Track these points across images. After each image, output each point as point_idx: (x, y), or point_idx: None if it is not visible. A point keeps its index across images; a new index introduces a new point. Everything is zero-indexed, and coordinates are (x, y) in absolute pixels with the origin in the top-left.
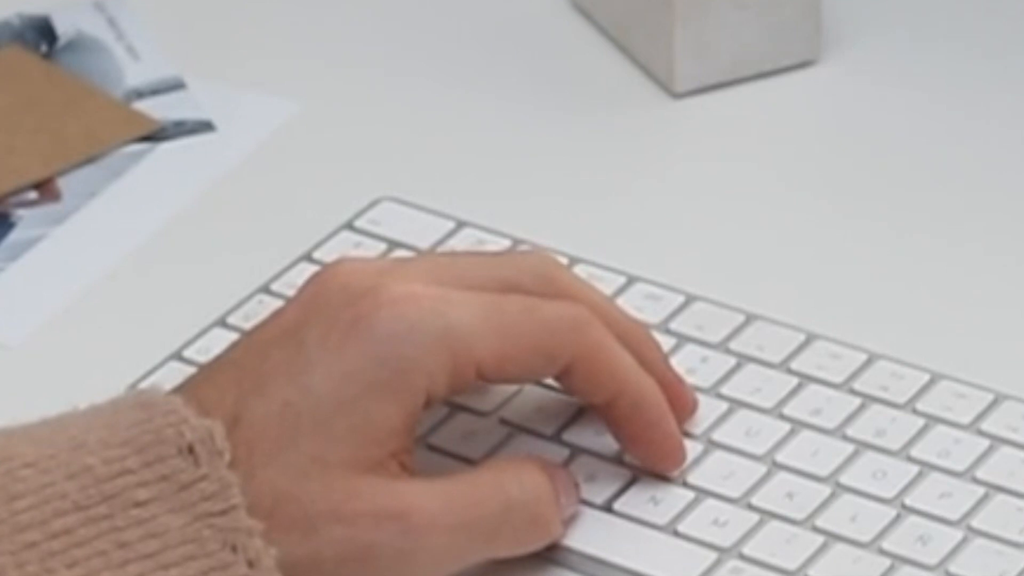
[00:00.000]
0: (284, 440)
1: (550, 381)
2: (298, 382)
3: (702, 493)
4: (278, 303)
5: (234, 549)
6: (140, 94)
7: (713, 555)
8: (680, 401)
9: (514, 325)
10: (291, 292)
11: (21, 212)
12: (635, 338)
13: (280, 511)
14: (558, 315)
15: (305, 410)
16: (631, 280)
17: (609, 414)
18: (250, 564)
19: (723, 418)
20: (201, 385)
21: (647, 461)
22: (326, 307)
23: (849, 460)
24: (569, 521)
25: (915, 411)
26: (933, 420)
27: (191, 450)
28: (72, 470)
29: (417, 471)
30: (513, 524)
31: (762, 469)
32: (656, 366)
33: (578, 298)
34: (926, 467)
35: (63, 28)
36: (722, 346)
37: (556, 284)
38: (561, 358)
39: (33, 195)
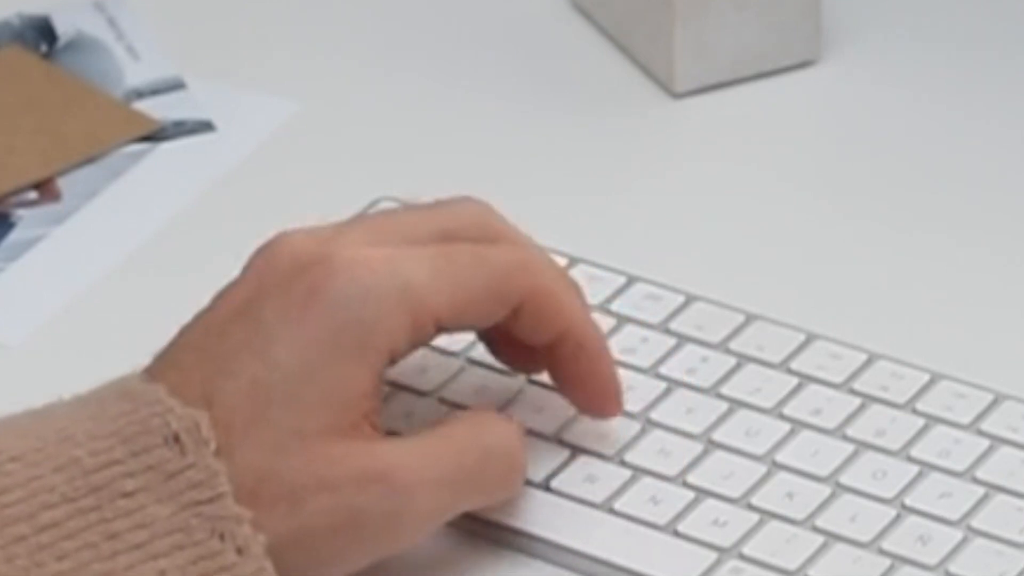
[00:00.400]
0: (257, 417)
1: (547, 379)
2: (263, 357)
3: (702, 493)
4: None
5: (222, 537)
6: (140, 94)
7: (713, 555)
8: (606, 402)
9: (465, 274)
10: None
11: (21, 212)
12: (581, 328)
13: (263, 489)
14: (506, 259)
15: (274, 384)
16: (631, 280)
17: (554, 355)
18: (239, 551)
19: (723, 418)
20: (166, 372)
21: (587, 404)
22: (279, 280)
23: (849, 460)
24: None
25: (915, 411)
26: (933, 420)
27: (177, 439)
28: (59, 463)
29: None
30: (492, 473)
31: (762, 469)
32: (596, 362)
33: (516, 242)
34: (926, 467)
35: (63, 28)
36: (722, 346)
37: (493, 229)
38: (512, 299)
39: (33, 195)
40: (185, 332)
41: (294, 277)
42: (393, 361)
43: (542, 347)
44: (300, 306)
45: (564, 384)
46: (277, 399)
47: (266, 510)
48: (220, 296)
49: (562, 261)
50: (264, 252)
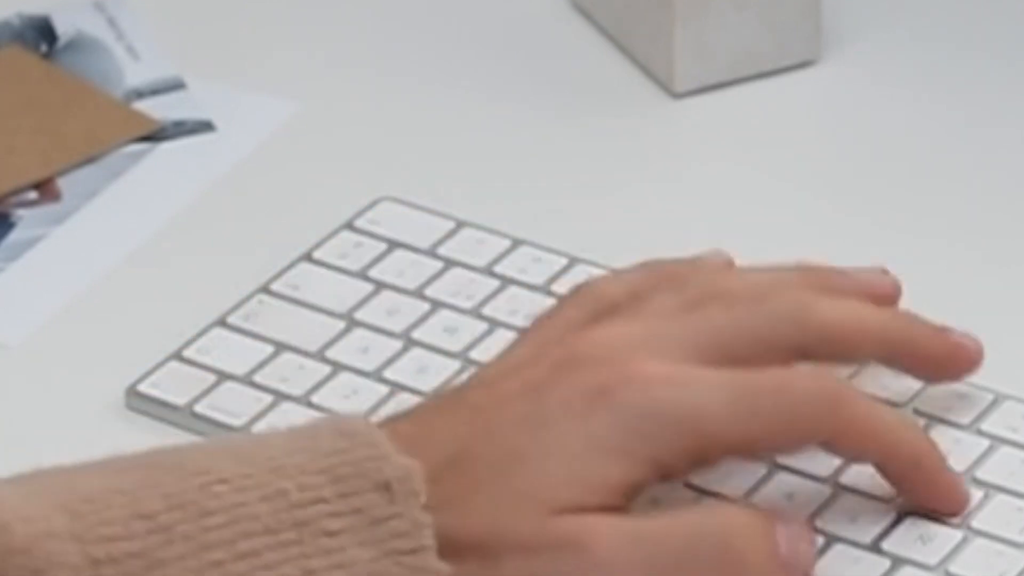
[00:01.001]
0: (498, 478)
1: None
2: (531, 433)
3: (703, 493)
4: (278, 303)
5: None
6: (140, 94)
7: None
8: (966, 356)
9: (763, 409)
10: (291, 292)
11: (21, 212)
12: (904, 336)
13: (466, 542)
14: (809, 394)
15: (531, 456)
16: None
17: (885, 472)
18: None
19: None
20: (433, 419)
21: (931, 508)
22: (572, 372)
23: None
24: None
25: (915, 411)
26: (934, 420)
27: (387, 487)
28: (266, 492)
29: None
30: (700, 556)
31: (762, 469)
32: (930, 339)
33: (846, 335)
34: None
35: (63, 28)
36: None
37: (813, 327)
38: (817, 436)
39: (33, 195)
40: (468, 386)
41: (588, 374)
42: (666, 478)
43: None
44: (585, 402)
45: (904, 494)
46: (528, 468)
47: (462, 563)
48: (517, 367)
49: (562, 261)
50: (569, 338)
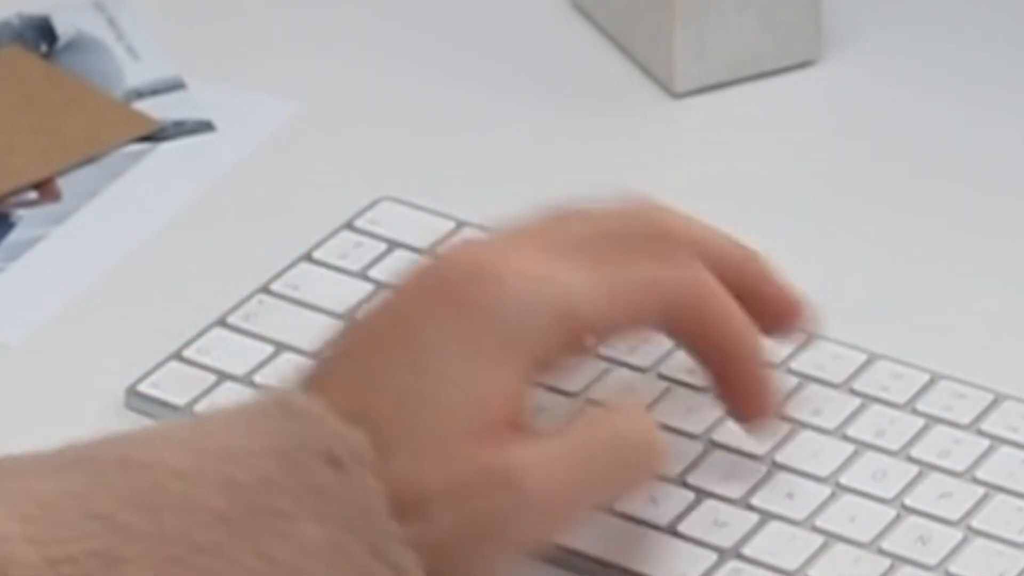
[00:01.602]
0: (405, 425)
1: (549, 380)
2: (412, 368)
3: (702, 493)
4: (278, 303)
5: (379, 556)
6: (140, 94)
7: (713, 555)
8: (791, 314)
9: (621, 285)
10: (291, 292)
11: (21, 212)
12: (746, 265)
13: (401, 494)
14: (676, 285)
15: (423, 392)
16: None
17: (712, 368)
18: (395, 570)
19: (723, 418)
20: (326, 383)
21: (739, 413)
22: (436, 292)
23: (849, 460)
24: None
25: (915, 411)
26: (933, 420)
27: (334, 459)
28: (217, 481)
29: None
30: (625, 470)
31: (763, 469)
32: (767, 285)
33: (692, 238)
34: (926, 467)
35: (63, 28)
36: None
37: (665, 228)
38: (677, 324)
39: (33, 195)
40: (342, 336)
41: (452, 290)
42: (549, 370)
43: (698, 357)
44: (454, 318)
45: (722, 392)
46: (423, 407)
47: (403, 518)
48: (380, 304)
49: None
50: (427, 262)
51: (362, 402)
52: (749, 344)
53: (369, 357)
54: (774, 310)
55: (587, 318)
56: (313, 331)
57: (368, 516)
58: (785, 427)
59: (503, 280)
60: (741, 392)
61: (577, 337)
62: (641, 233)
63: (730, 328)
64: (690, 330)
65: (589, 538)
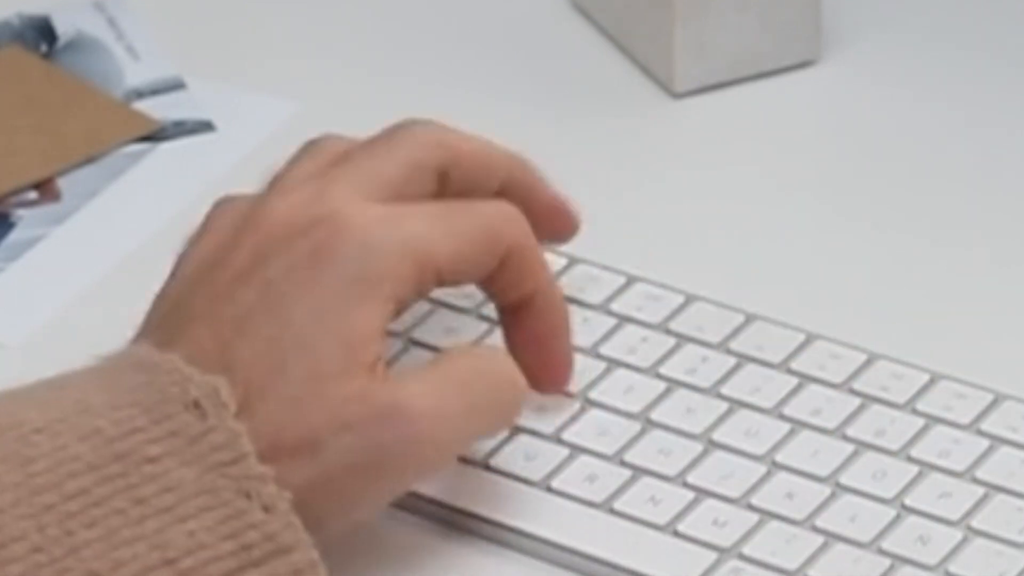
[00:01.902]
0: (275, 373)
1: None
2: (275, 316)
3: (702, 493)
4: None
5: (248, 496)
6: (140, 94)
7: (713, 555)
8: (569, 219)
9: (461, 226)
10: None
11: (21, 212)
12: (523, 174)
13: (284, 440)
14: (494, 211)
15: (288, 339)
16: (631, 280)
17: (519, 315)
18: (265, 509)
19: (723, 418)
20: (178, 341)
21: (539, 369)
22: (279, 242)
23: (849, 460)
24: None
25: (915, 411)
26: (933, 420)
27: (197, 405)
28: (82, 432)
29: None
30: (498, 399)
31: (762, 469)
32: (539, 190)
33: (472, 154)
34: (926, 467)
35: (63, 28)
36: (722, 346)
37: (453, 151)
38: (500, 250)
39: (33, 195)
40: (182, 299)
41: (296, 238)
42: (399, 312)
43: (509, 307)
44: (307, 265)
45: (521, 347)
46: (292, 353)
47: (288, 460)
48: (218, 262)
49: (562, 261)
50: (255, 216)
51: (226, 353)
52: (558, 293)
53: (225, 312)
54: (551, 211)
55: (434, 260)
56: None
57: (236, 458)
58: (785, 426)
59: (349, 223)
60: (544, 351)
61: (427, 277)
62: (427, 159)
63: (542, 266)
64: (510, 263)
65: (589, 537)
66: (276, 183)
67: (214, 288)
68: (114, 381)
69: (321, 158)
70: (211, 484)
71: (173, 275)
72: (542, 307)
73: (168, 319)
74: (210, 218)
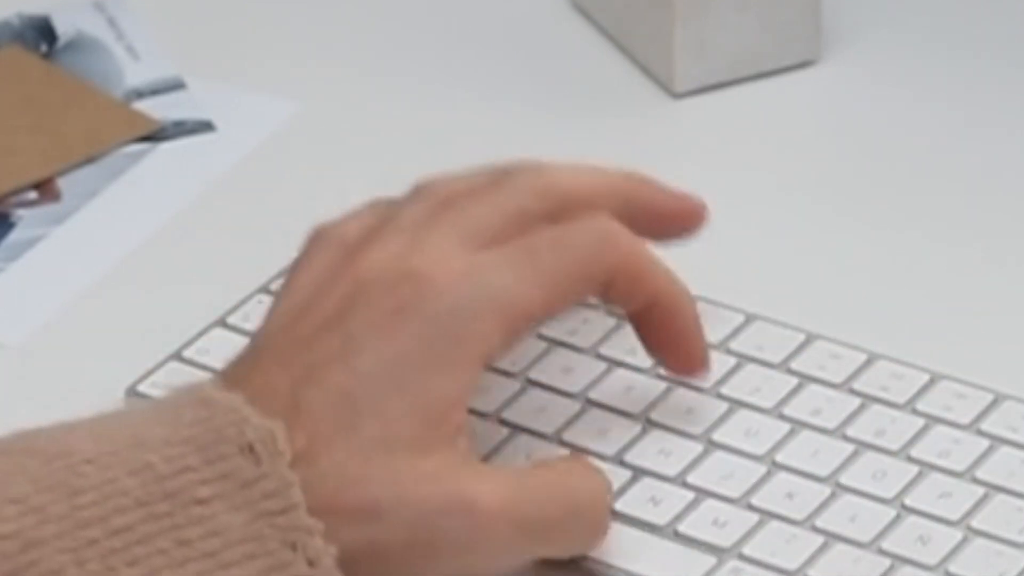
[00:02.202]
0: (344, 425)
1: (549, 380)
2: (351, 368)
3: (702, 493)
4: None
5: (294, 548)
6: (140, 94)
7: (713, 555)
8: (694, 213)
9: (550, 265)
10: None
11: (21, 212)
12: (636, 194)
13: (344, 496)
14: (586, 238)
15: (362, 395)
16: None
17: (644, 319)
18: (310, 563)
19: (723, 418)
20: (249, 378)
21: (678, 365)
22: (366, 297)
23: (849, 460)
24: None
25: (915, 411)
26: (933, 420)
27: (252, 449)
28: (133, 467)
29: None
30: (575, 526)
31: (762, 469)
32: (661, 196)
33: (581, 195)
34: (926, 467)
35: (63, 28)
36: (722, 346)
37: (558, 193)
38: (600, 278)
39: (33, 195)
40: (264, 340)
41: (382, 293)
42: (487, 366)
43: (633, 314)
44: (389, 321)
45: (655, 346)
46: (364, 409)
47: (344, 518)
48: (304, 308)
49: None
50: (348, 269)
51: (296, 396)
52: (679, 289)
53: (301, 356)
54: (674, 216)
55: (524, 310)
56: None
57: (286, 508)
58: (785, 426)
59: (434, 281)
60: (678, 347)
61: (518, 327)
62: (535, 198)
63: (655, 272)
64: (617, 283)
65: None
66: (381, 227)
67: (299, 331)
68: (173, 416)
69: (427, 202)
70: (258, 532)
71: (271, 311)
72: (666, 308)
73: (250, 354)
74: (309, 251)
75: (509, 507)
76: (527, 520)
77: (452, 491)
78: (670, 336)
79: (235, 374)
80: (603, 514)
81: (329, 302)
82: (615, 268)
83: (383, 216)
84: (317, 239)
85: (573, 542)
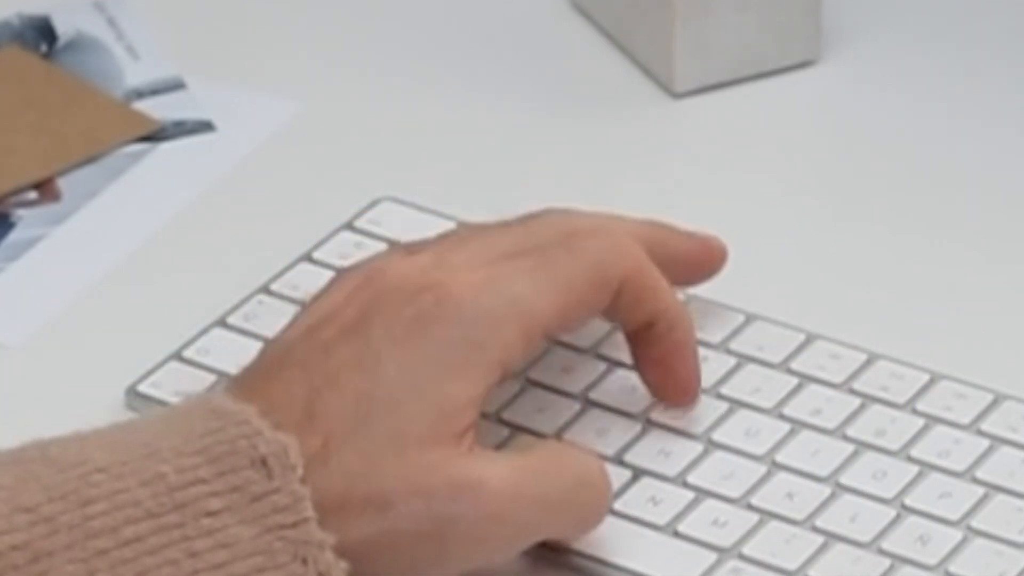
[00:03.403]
0: (358, 425)
1: (549, 380)
2: (369, 373)
3: (702, 493)
4: (278, 303)
5: (304, 561)
6: (140, 94)
7: (713, 555)
8: (716, 257)
9: (565, 273)
10: (291, 292)
11: (21, 212)
12: (661, 240)
13: (355, 490)
14: (599, 247)
15: (378, 397)
16: None
17: (642, 337)
18: None
19: (723, 418)
20: (269, 385)
21: (667, 388)
22: (386, 305)
23: (849, 460)
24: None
25: (915, 411)
26: (933, 420)
27: (264, 463)
28: (145, 477)
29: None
30: (582, 503)
31: (762, 469)
32: (684, 242)
33: (604, 230)
34: (926, 467)
35: (63, 28)
36: (722, 346)
37: (581, 229)
38: (612, 285)
39: (33, 195)
40: (285, 347)
41: (403, 302)
42: (506, 375)
43: (634, 331)
44: (409, 329)
45: (649, 367)
46: (380, 410)
47: (355, 515)
48: (326, 316)
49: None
50: (370, 278)
51: (309, 400)
52: (682, 310)
53: (319, 363)
54: (695, 261)
55: (541, 318)
56: None
57: (297, 522)
58: (785, 426)
59: (453, 290)
60: (671, 370)
61: (535, 336)
62: (557, 233)
63: (661, 288)
64: (625, 292)
65: (589, 537)
66: (408, 249)
67: (317, 339)
68: (186, 426)
69: (456, 235)
70: (268, 545)
71: (292, 321)
72: (666, 327)
73: (267, 361)
74: (333, 281)
75: (517, 485)
76: (535, 496)
77: (459, 475)
78: (666, 357)
79: (250, 383)
80: (606, 485)
81: (350, 310)
82: (625, 277)
83: (413, 246)
84: (338, 274)
85: (580, 516)
